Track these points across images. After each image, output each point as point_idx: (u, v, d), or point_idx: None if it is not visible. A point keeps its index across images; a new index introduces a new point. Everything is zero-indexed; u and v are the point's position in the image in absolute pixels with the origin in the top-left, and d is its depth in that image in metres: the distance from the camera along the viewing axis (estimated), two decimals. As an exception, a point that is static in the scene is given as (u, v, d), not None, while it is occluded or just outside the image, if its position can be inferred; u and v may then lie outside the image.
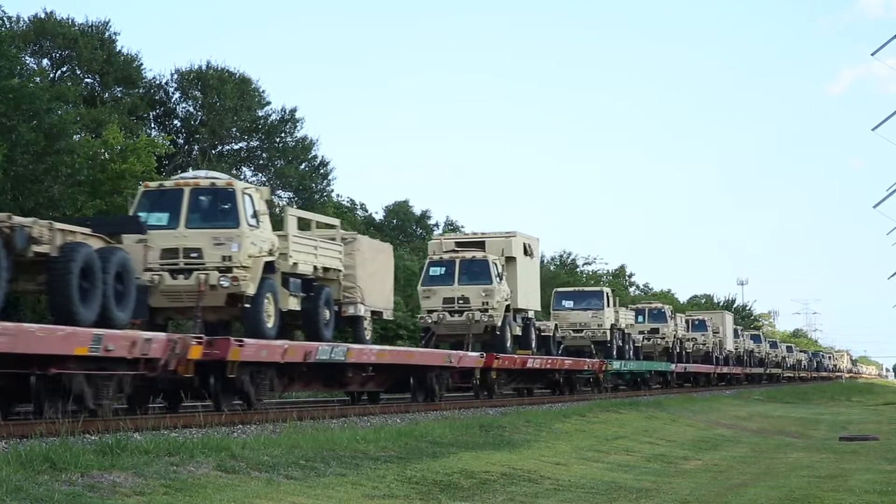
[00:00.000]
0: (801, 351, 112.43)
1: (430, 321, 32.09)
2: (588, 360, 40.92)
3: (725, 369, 67.27)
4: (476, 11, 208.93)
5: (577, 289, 50.05)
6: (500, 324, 32.14)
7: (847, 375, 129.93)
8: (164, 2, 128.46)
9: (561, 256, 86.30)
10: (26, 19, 48.97)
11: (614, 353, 44.02)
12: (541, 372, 36.08)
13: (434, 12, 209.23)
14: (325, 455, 14.55)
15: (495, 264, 32.28)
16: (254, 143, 57.37)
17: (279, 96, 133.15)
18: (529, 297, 35.41)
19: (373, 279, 26.51)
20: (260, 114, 56.57)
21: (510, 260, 33.98)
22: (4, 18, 41.26)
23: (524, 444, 20.06)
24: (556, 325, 39.81)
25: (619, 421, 28.24)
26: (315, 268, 23.74)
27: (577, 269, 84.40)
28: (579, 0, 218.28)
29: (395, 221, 70.81)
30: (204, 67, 54.47)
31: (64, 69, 50.23)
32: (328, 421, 19.72)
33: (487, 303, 31.72)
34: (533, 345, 35.38)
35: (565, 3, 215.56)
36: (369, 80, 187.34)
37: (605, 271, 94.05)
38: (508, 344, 32.66)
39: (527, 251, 35.35)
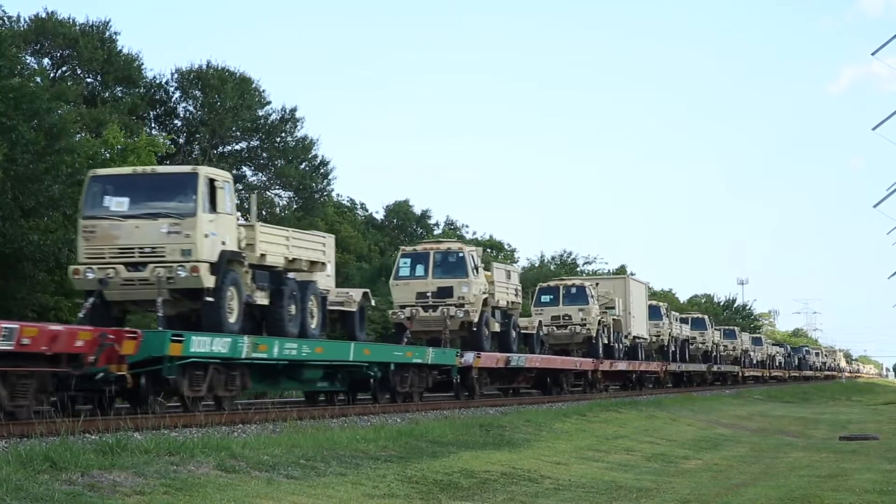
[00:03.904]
0: (775, 344, 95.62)
1: None
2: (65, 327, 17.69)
3: (623, 365, 45.00)
4: (476, 12, 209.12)
5: (133, 170, 22.15)
6: None
7: (846, 375, 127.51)
8: (164, 2, 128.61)
9: (561, 256, 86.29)
10: (27, 19, 49.01)
11: (229, 315, 20.40)
12: None
13: (434, 12, 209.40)
14: (325, 454, 14.57)
15: None
16: (254, 143, 57.38)
17: (279, 96, 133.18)
18: None
19: None
20: (260, 113, 56.56)
21: None
22: (5, 18, 41.30)
23: (524, 443, 20.08)
24: None
25: (619, 420, 28.26)
26: None
27: (578, 269, 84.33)
28: (579, 0, 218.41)
29: (395, 221, 70.87)
30: (204, 67, 54.49)
31: (64, 69, 50.25)
32: (328, 420, 19.78)
33: None
34: None
35: (565, 3, 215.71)
36: (369, 80, 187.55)
37: (605, 271, 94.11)
38: None
39: None
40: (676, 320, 59.04)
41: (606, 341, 43.48)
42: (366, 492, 12.77)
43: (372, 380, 25.73)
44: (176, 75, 54.91)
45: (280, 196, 57.12)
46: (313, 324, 23.70)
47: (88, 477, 10.91)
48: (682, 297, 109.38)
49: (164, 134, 49.33)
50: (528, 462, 17.51)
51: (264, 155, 57.24)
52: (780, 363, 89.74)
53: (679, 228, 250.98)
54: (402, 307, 31.19)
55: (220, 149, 55.98)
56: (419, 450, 16.64)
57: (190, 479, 11.69)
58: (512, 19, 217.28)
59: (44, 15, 49.41)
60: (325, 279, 25.52)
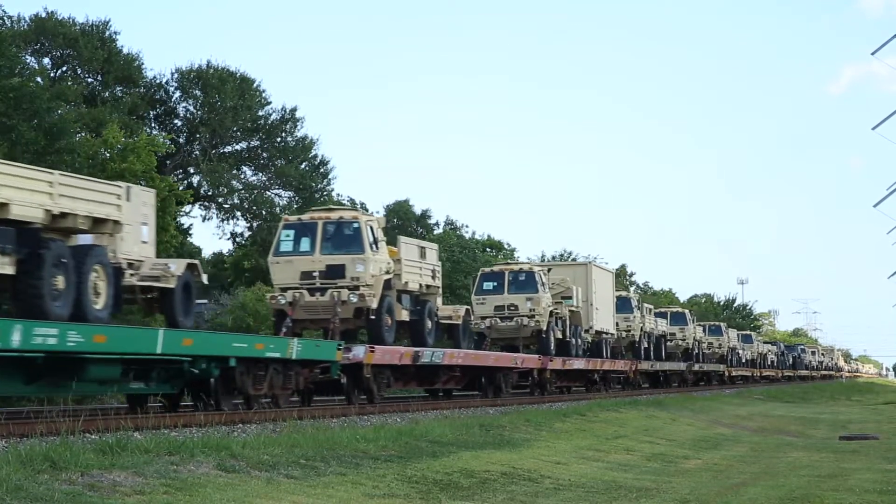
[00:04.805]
0: (767, 342, 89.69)
1: None
2: None
3: (580, 363, 38.99)
4: (476, 12, 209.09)
5: None
6: None
7: (846, 375, 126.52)
8: (164, 2, 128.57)
9: (562, 255, 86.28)
10: (27, 18, 49.09)
11: None
12: None
13: (435, 12, 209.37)
14: (325, 454, 14.56)
15: None
16: (254, 143, 57.41)
17: (279, 96, 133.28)
18: None
19: None
20: (260, 113, 56.60)
21: None
22: (5, 18, 41.34)
23: (524, 443, 20.07)
24: None
25: (619, 420, 28.24)
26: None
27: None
28: (580, 0, 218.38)
29: (395, 221, 70.85)
30: (204, 67, 54.52)
31: (64, 68, 50.28)
32: (328, 420, 19.77)
33: None
34: None
35: (566, 3, 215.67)
36: (369, 80, 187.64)
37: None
38: None
39: None
40: (651, 314, 53.36)
41: (561, 336, 37.69)
42: (366, 491, 12.76)
43: (212, 379, 19.88)
44: (176, 75, 54.95)
45: (280, 196, 57.16)
46: (99, 303, 18.05)
47: (88, 477, 10.91)
48: (682, 297, 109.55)
49: (164, 134, 49.35)
50: (527, 462, 17.50)
51: (264, 155, 57.27)
52: (772, 362, 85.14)
53: (679, 228, 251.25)
54: (283, 290, 25.31)
55: (221, 149, 55.99)
56: (419, 450, 16.64)
57: (190, 478, 11.68)
58: (512, 19, 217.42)
59: (44, 15, 49.47)
60: (129, 245, 20.10)
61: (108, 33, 51.21)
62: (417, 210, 71.83)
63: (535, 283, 35.65)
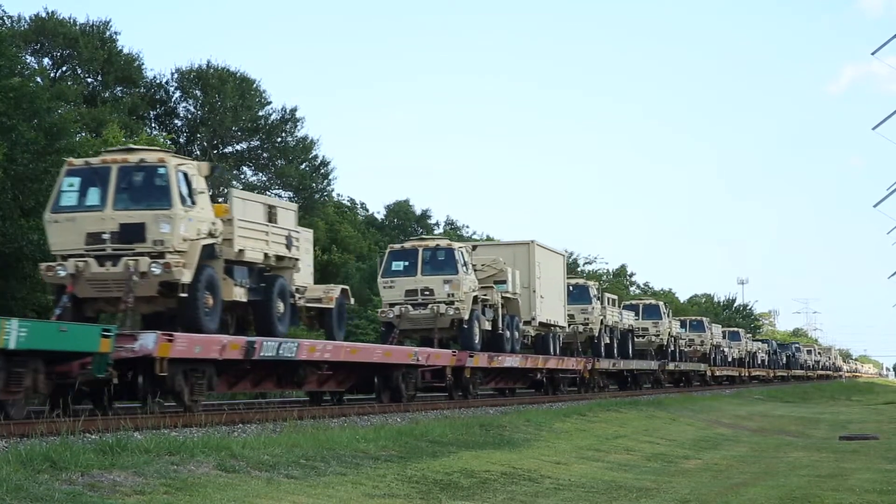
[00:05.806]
0: (757, 340, 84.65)
1: None
2: None
3: (513, 360, 32.13)
4: (476, 12, 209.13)
5: None
6: None
7: (846, 375, 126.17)
8: (165, 2, 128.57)
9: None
10: (27, 18, 49.15)
11: None
12: None
13: (434, 12, 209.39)
14: (325, 454, 14.56)
15: None
16: (254, 143, 57.44)
17: (279, 96, 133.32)
18: None
19: None
20: (260, 113, 56.62)
21: None
22: (5, 18, 41.35)
23: (524, 443, 20.07)
24: None
25: (619, 420, 28.25)
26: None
27: (578, 269, 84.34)
28: (580, 0, 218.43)
29: (395, 221, 70.91)
30: (204, 67, 54.55)
31: (64, 68, 50.32)
32: (328, 420, 19.77)
33: None
34: None
35: (566, 3, 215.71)
36: (369, 81, 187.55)
37: (605, 270, 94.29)
38: None
39: None
40: (615, 305, 47.13)
41: (490, 327, 31.37)
42: (366, 491, 12.76)
43: None
44: (176, 75, 55.01)
45: (280, 196, 57.16)
46: None
47: (88, 477, 10.91)
48: (683, 297, 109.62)
49: (164, 134, 49.37)
50: (528, 462, 17.51)
51: (264, 155, 57.31)
52: (763, 361, 79.77)
53: (679, 228, 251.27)
54: (65, 258, 18.87)
55: (221, 149, 56.00)
56: (419, 449, 16.64)
57: (190, 478, 11.68)
58: (512, 19, 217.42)
59: (44, 15, 49.52)
60: None
61: (108, 33, 51.28)
62: (417, 210, 71.89)
63: (455, 263, 29.27)
